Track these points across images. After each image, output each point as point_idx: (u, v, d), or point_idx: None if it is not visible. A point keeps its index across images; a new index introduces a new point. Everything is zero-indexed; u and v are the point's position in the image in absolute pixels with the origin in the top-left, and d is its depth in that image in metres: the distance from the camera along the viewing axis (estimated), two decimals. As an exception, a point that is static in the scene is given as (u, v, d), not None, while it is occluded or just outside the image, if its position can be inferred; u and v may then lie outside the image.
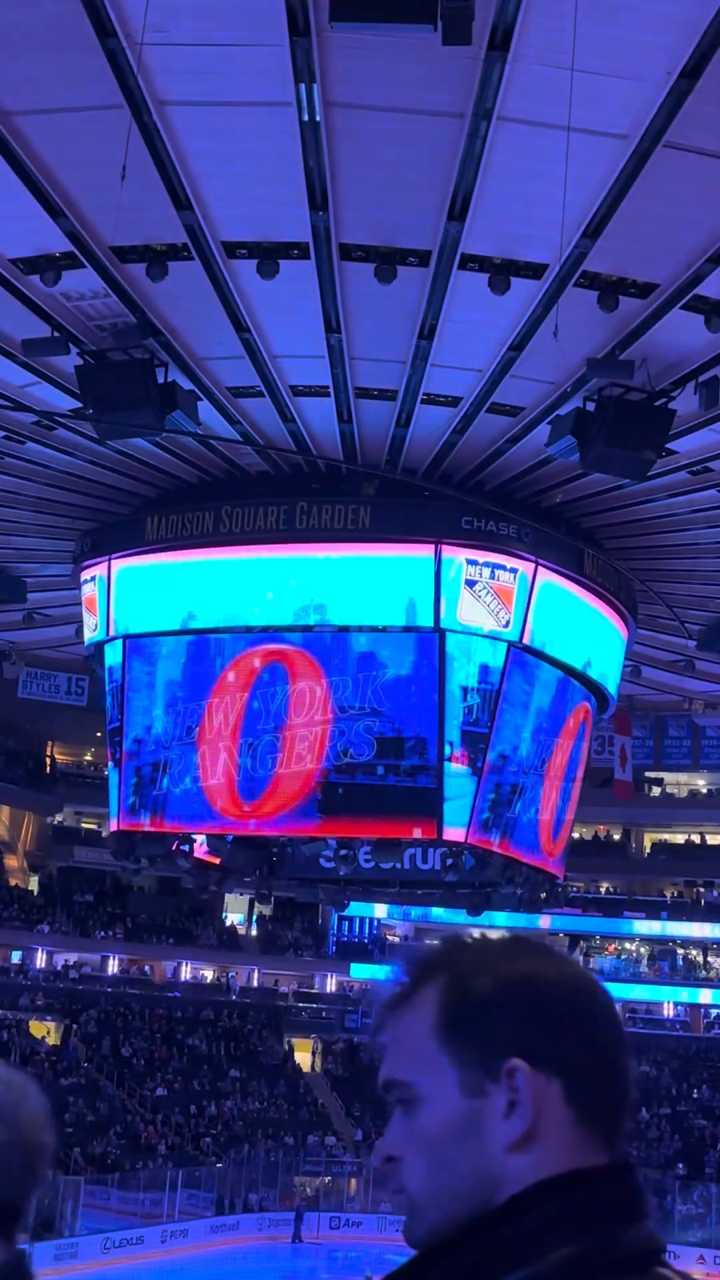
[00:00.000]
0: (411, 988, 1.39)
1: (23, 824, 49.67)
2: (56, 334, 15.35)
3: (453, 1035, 1.35)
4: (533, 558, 21.07)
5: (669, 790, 48.64)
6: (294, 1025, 45.25)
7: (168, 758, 22.46)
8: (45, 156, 12.38)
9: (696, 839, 49.24)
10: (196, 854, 23.47)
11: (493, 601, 20.93)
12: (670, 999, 47.42)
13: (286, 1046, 44.44)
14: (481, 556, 20.78)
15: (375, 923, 48.59)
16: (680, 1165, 37.24)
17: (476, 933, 1.45)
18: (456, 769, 21.12)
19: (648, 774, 42.90)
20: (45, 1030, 40.77)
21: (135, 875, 39.40)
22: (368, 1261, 29.22)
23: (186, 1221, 32.17)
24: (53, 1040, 40.32)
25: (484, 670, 21.18)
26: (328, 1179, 36.91)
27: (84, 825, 49.39)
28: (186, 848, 23.15)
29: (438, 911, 38.69)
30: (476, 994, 1.35)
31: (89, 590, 23.61)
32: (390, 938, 49.14)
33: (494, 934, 1.45)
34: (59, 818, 49.73)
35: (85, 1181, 30.77)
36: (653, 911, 47.94)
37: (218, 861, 24.25)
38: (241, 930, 50.16)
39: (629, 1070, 1.38)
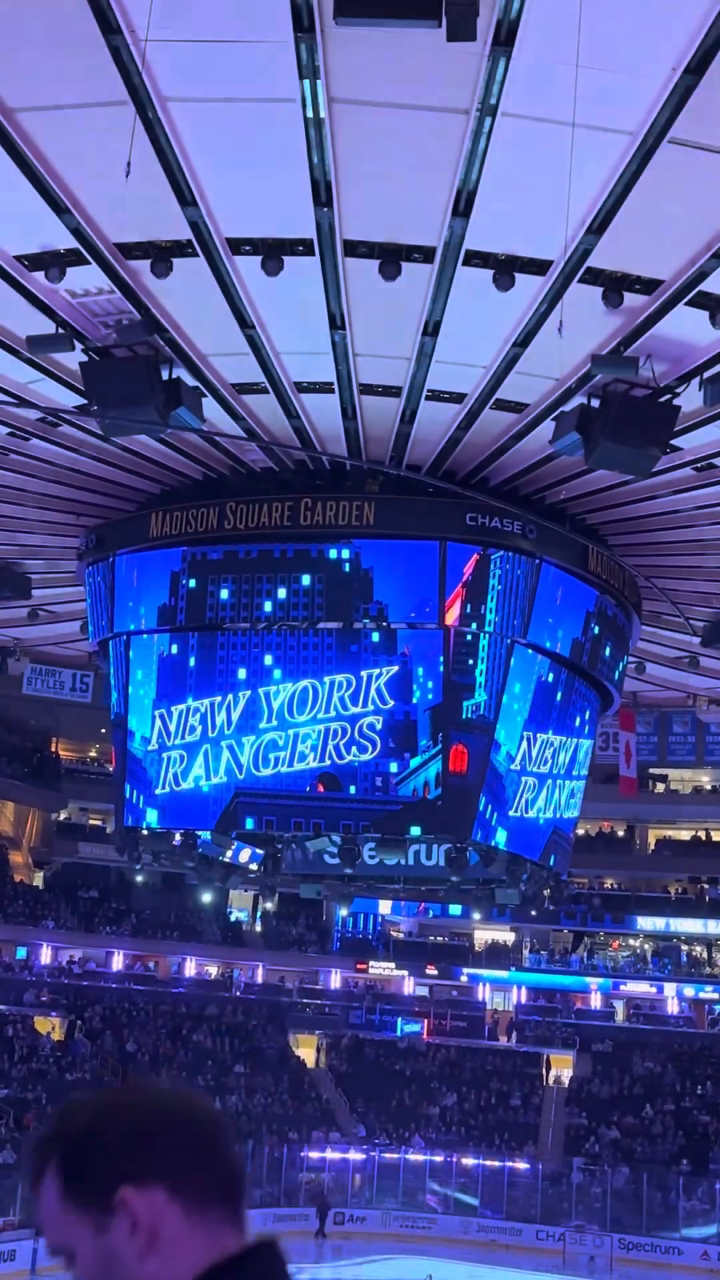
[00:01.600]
0: (40, 1168, 1.67)
1: (27, 820, 49.73)
2: (61, 330, 15.32)
3: (73, 1196, 1.63)
4: (537, 554, 21.07)
5: (673, 786, 48.63)
6: (298, 1021, 45.26)
7: (172, 755, 22.46)
8: (49, 153, 12.37)
9: (701, 835, 49.24)
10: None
11: (497, 597, 20.91)
12: (673, 995, 47.38)
13: (291, 1042, 44.45)
14: (486, 553, 20.78)
15: (379, 919, 48.60)
16: (684, 1161, 37.23)
17: (77, 1101, 1.72)
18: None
19: (652, 770, 42.89)
20: (50, 1026, 40.80)
21: (137, 872, 39.62)
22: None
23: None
24: (57, 1036, 40.36)
25: (490, 665, 21.16)
26: (332, 1174, 36.92)
27: (89, 821, 49.47)
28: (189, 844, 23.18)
29: (454, 909, 38.62)
30: (75, 1156, 1.64)
31: (93, 586, 23.62)
32: (394, 933, 49.19)
33: (88, 1098, 1.73)
34: (63, 814, 49.81)
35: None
36: (657, 908, 47.90)
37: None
38: (246, 926, 50.21)
39: (225, 1155, 1.67)
